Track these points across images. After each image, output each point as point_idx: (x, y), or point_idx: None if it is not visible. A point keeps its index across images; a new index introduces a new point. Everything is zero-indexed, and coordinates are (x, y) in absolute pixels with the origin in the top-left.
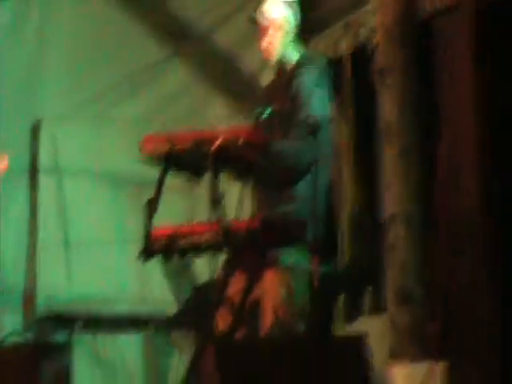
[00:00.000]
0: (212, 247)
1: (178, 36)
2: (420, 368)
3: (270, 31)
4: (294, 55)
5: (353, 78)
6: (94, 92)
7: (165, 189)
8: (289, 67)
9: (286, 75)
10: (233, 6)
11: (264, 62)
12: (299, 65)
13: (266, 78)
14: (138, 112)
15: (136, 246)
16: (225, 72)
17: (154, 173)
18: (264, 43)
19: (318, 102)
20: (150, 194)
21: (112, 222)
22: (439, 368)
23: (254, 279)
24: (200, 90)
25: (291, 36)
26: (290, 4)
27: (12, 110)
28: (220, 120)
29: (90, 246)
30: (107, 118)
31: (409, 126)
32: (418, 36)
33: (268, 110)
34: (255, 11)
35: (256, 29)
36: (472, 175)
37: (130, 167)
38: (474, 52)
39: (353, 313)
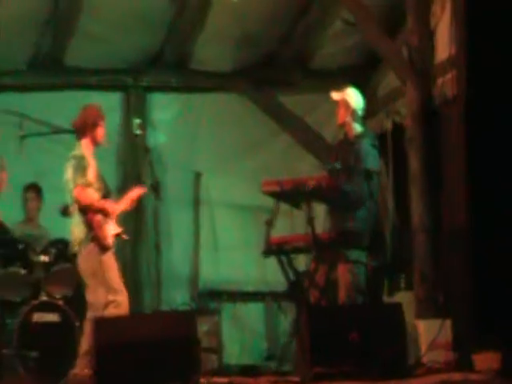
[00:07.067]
0: (306, 249)
1: (280, 118)
2: (434, 323)
3: (342, 106)
4: (357, 128)
5: (392, 146)
6: (230, 153)
7: (277, 213)
8: (353, 135)
9: (350, 140)
10: (318, 99)
11: (336, 134)
12: (360, 136)
13: (337, 138)
14: (257, 166)
15: (257, 249)
16: (312, 140)
17: (268, 204)
18: (338, 112)
19: (371, 160)
20: (266, 216)
21: (243, 234)
22: (446, 323)
23: (331, 269)
24: (296, 152)
25: (356, 114)
26: (355, 93)
27: (181, 166)
28: (309, 171)
29: (230, 248)
30: (238, 170)
31: (426, 175)
32: (431, 118)
33: (337, 164)
34: (336, 91)
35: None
36: (462, 205)
37: (253, 200)
38: (464, 128)
39: (393, 290)
